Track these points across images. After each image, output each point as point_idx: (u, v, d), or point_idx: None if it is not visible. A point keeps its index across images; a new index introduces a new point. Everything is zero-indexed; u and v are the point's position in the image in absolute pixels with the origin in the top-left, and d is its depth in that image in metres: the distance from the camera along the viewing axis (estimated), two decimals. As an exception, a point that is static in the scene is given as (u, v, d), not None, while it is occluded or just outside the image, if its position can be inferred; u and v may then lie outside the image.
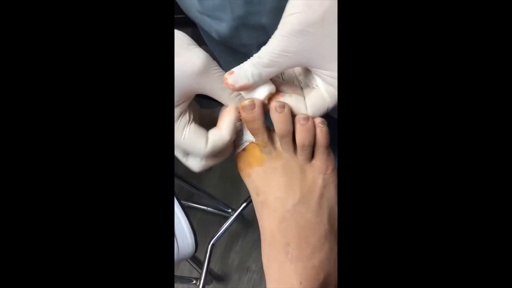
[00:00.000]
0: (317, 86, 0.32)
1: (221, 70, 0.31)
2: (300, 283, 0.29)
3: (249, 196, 0.98)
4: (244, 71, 0.29)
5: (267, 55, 0.29)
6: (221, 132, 0.31)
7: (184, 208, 0.70)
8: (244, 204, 0.98)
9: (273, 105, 0.30)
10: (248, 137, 0.33)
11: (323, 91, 0.31)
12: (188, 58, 0.29)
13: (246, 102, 0.30)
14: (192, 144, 0.31)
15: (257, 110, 0.30)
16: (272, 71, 0.30)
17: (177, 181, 0.95)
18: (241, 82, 0.29)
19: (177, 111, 0.30)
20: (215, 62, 0.31)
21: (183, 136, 0.30)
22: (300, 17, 0.27)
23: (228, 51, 0.49)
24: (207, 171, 1.47)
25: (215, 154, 0.32)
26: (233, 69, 0.30)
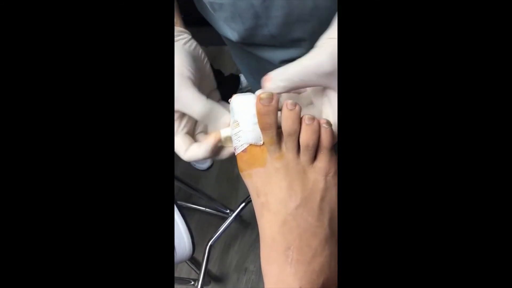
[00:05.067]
0: (322, 105, 0.33)
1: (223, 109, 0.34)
2: (300, 287, 0.29)
3: (247, 197, 0.99)
4: (275, 82, 0.31)
5: (300, 72, 0.30)
6: (199, 150, 0.34)
7: (181, 210, 0.69)
8: (243, 205, 0.98)
9: (285, 102, 0.30)
10: (247, 139, 0.32)
11: (328, 111, 0.33)
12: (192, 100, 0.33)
13: (264, 94, 0.30)
14: (176, 148, 0.35)
15: (274, 104, 0.30)
16: (301, 85, 0.32)
17: (175, 182, 0.95)
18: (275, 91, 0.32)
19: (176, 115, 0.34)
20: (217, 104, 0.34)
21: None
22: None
23: (244, 52, 0.51)
24: (205, 172, 1.48)
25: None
26: (267, 78, 0.32)
